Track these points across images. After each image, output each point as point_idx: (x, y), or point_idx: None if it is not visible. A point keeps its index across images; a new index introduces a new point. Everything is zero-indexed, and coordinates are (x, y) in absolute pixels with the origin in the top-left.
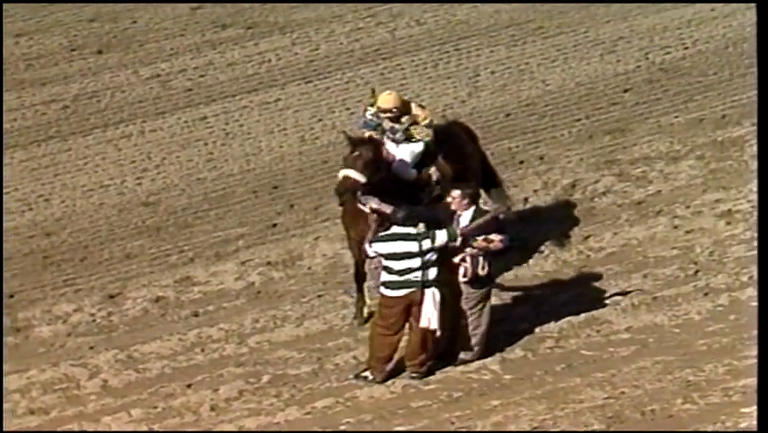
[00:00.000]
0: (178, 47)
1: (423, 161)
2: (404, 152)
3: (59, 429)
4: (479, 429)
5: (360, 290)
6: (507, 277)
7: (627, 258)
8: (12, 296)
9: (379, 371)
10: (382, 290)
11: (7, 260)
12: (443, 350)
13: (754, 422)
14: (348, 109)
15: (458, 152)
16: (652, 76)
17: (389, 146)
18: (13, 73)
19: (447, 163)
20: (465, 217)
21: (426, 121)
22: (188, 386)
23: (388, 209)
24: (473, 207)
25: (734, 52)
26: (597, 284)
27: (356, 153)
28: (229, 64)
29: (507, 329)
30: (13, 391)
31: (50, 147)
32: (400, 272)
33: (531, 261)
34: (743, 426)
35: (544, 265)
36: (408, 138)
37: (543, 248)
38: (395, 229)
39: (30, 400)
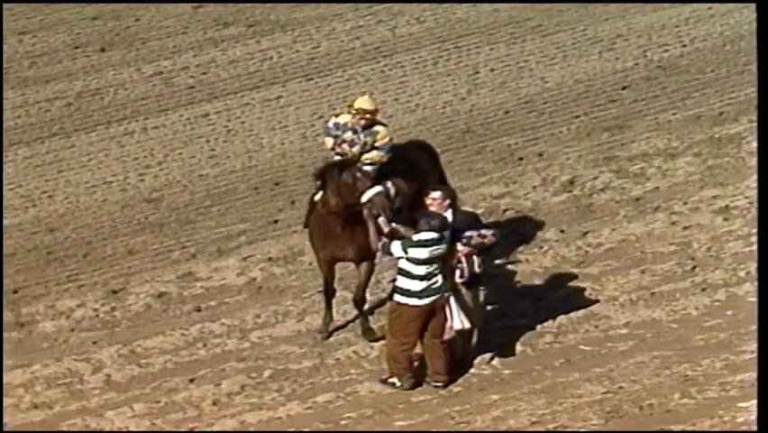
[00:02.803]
0: (180, 45)
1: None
2: None
3: (61, 425)
4: (478, 424)
5: (329, 306)
6: (508, 275)
7: (625, 254)
8: (16, 291)
9: (406, 378)
10: (407, 300)
11: (11, 255)
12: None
13: (753, 417)
14: (350, 107)
15: (413, 170)
16: (650, 73)
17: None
18: (17, 71)
19: (404, 181)
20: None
21: (385, 140)
22: (191, 381)
23: (402, 229)
24: (452, 208)
25: (731, 50)
26: (595, 280)
27: (356, 175)
28: (231, 62)
29: (506, 324)
30: (17, 386)
31: (53, 144)
32: (423, 278)
33: (530, 256)
34: (740, 420)
35: (543, 261)
36: (364, 153)
37: (542, 244)
38: (423, 235)
39: (33, 395)
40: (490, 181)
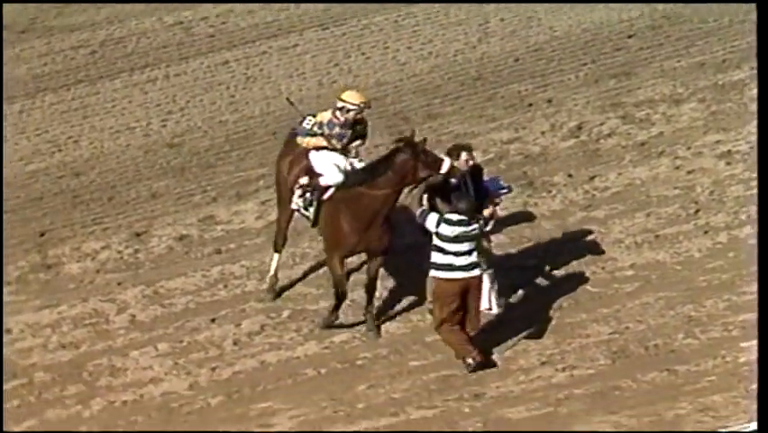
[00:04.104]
0: None
1: None
2: (338, 160)
3: (87, 364)
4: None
5: (338, 307)
6: (517, 218)
7: (631, 197)
8: (42, 234)
9: (474, 354)
10: (438, 273)
11: (38, 199)
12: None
13: (753, 357)
14: (363, 54)
15: None
16: (655, 22)
17: (328, 156)
18: (44, 20)
19: None
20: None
21: (367, 129)
22: (212, 321)
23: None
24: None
25: None
26: (602, 223)
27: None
28: (249, 11)
29: (514, 265)
30: (45, 326)
31: (78, 91)
32: (452, 254)
33: (538, 200)
34: (742, 360)
35: (552, 204)
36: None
37: (550, 188)
38: (450, 215)
39: (61, 335)
40: (500, 127)
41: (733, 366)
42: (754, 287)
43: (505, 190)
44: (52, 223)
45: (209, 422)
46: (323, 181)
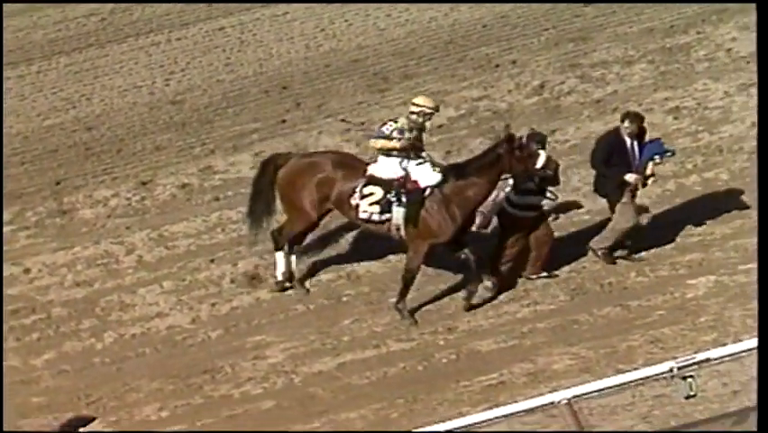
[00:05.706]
0: None
1: None
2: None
3: (100, 300)
4: (461, 303)
5: (405, 294)
6: None
7: (588, 150)
8: (58, 183)
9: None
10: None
11: (54, 151)
12: None
13: (700, 293)
14: (346, 21)
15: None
16: None
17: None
18: None
19: None
20: None
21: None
22: (211, 261)
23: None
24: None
25: None
26: (562, 173)
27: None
28: None
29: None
30: (61, 266)
31: (90, 53)
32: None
33: None
34: (690, 296)
35: None
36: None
37: None
38: None
39: (75, 274)
40: (470, 86)
41: (680, 301)
42: (700, 229)
43: (669, 153)
44: (67, 173)
45: (209, 353)
46: (422, 183)
